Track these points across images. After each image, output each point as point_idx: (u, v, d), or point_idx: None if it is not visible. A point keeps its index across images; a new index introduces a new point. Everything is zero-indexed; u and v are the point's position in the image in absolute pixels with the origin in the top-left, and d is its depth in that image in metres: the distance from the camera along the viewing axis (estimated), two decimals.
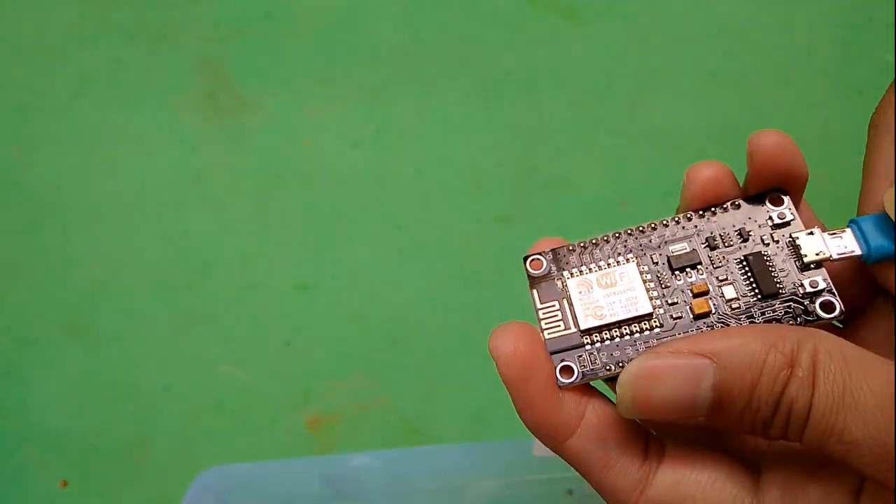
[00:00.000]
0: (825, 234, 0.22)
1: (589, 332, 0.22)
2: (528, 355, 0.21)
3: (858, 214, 0.23)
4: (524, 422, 0.22)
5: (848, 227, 0.22)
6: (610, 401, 0.22)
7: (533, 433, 0.22)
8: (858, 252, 0.22)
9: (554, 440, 0.21)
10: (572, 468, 0.22)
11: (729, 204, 0.23)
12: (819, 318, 0.21)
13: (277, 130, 0.50)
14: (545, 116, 0.49)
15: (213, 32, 0.52)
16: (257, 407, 0.44)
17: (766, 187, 0.23)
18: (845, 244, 0.22)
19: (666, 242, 0.23)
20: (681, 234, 0.23)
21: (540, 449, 0.38)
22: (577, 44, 0.51)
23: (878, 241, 0.21)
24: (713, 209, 0.23)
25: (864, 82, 0.49)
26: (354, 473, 0.39)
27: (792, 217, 0.23)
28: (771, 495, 0.20)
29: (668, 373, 0.20)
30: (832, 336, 0.19)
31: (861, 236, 0.22)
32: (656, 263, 0.23)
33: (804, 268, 0.22)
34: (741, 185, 0.24)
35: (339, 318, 0.45)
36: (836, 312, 0.21)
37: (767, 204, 0.23)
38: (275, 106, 0.50)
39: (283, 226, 0.48)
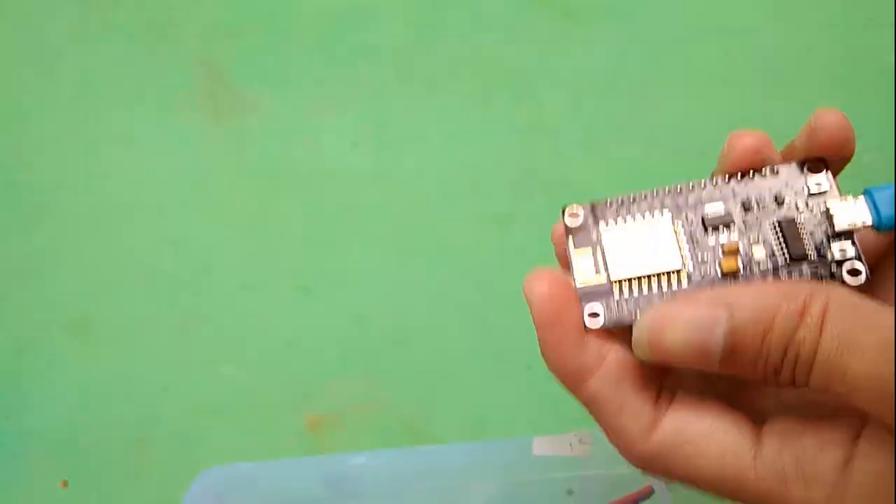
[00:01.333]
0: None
1: (619, 281, 0.23)
2: (559, 300, 0.23)
3: None
4: (548, 362, 0.23)
5: (862, 195, 0.23)
6: (629, 349, 0.23)
7: (554, 373, 0.23)
8: (869, 221, 0.22)
9: (574, 380, 0.23)
10: (587, 413, 0.23)
11: (767, 169, 0.24)
12: (844, 283, 0.22)
13: (277, 130, 0.50)
14: (545, 116, 0.49)
15: (213, 32, 0.52)
16: (257, 407, 0.44)
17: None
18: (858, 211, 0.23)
19: (702, 202, 0.24)
20: (717, 195, 0.24)
21: (539, 448, 0.38)
22: (577, 44, 0.51)
23: (889, 210, 0.22)
24: (752, 173, 0.24)
25: (864, 82, 0.49)
26: (355, 473, 0.39)
27: (828, 186, 0.23)
28: (769, 443, 0.21)
29: (683, 318, 0.21)
30: (845, 289, 0.20)
31: (873, 206, 0.22)
32: (690, 222, 0.24)
33: (835, 236, 0.23)
34: (779, 153, 0.25)
35: (340, 319, 0.45)
36: (862, 278, 0.22)
37: (806, 171, 0.23)
38: (275, 106, 0.50)
39: (283, 226, 0.48)
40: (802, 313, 0.20)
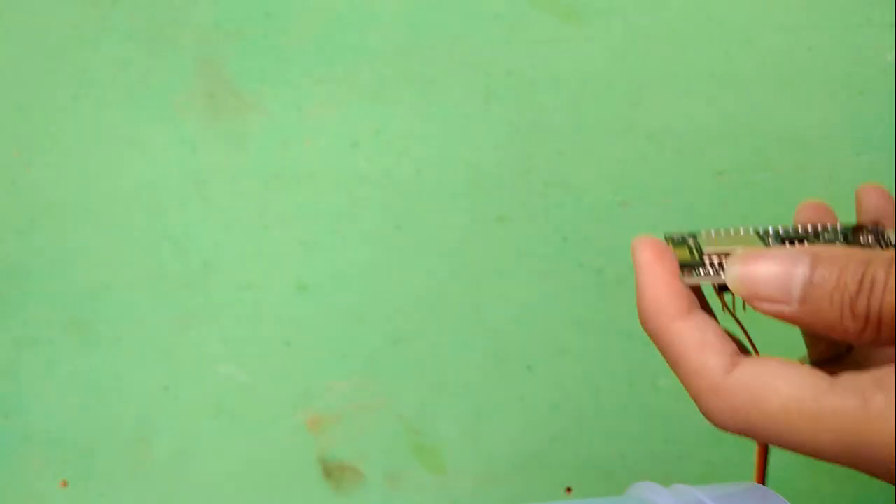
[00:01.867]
0: None
1: (709, 254, 0.27)
2: (661, 247, 0.27)
3: None
4: (642, 300, 0.26)
5: None
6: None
7: (646, 312, 0.26)
8: None
9: (666, 316, 0.26)
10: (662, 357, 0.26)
11: (832, 226, 0.28)
12: None
13: (277, 130, 0.50)
14: (545, 116, 0.49)
15: (213, 32, 0.52)
16: (257, 407, 0.44)
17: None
18: None
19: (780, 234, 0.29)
20: (792, 232, 0.29)
21: None
22: (577, 44, 0.51)
23: None
24: (819, 226, 0.29)
25: (864, 82, 0.49)
26: None
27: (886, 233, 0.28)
28: (844, 374, 0.23)
29: (771, 254, 0.24)
30: None
31: None
32: (771, 234, 0.28)
33: None
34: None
35: (339, 318, 0.45)
36: None
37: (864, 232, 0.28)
38: (275, 106, 0.50)
39: (283, 226, 0.48)
40: (873, 258, 0.23)
